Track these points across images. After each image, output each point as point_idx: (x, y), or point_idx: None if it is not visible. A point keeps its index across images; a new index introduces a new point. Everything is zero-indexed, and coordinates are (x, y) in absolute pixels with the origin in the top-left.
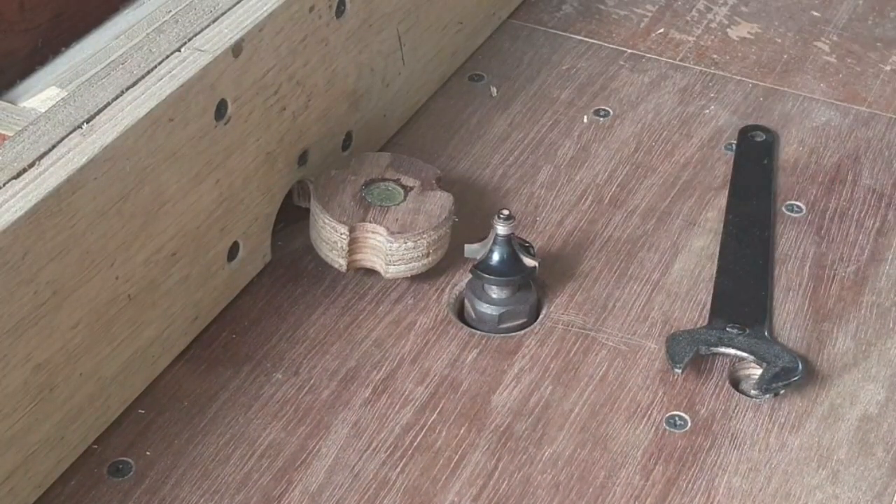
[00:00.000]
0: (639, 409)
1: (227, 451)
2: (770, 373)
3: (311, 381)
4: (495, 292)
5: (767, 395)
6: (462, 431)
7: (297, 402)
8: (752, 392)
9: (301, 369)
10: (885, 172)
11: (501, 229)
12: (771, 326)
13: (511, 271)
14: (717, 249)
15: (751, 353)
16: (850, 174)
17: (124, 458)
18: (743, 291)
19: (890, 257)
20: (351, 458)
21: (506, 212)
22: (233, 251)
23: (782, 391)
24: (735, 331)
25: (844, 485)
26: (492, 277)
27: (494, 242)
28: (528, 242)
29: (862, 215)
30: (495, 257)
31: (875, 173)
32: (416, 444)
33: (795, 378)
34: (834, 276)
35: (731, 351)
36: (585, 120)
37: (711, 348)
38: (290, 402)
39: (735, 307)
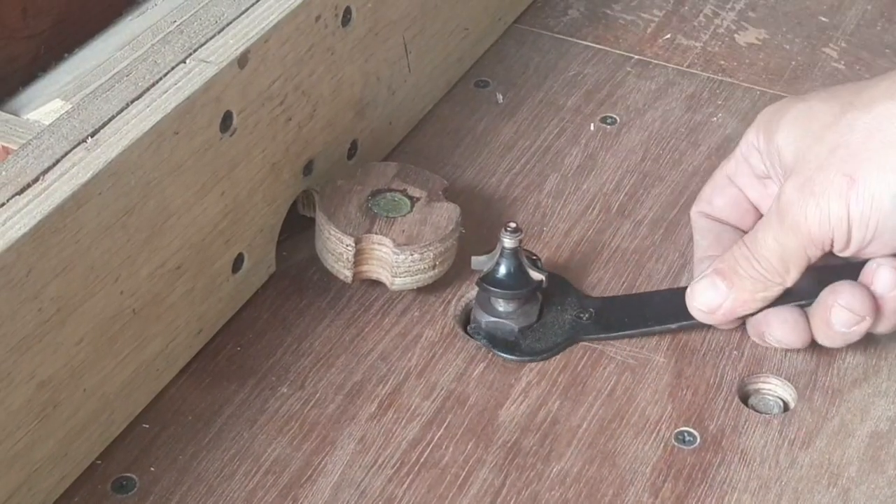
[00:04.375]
0: (647, 425)
1: (232, 467)
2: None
3: (317, 395)
4: (502, 305)
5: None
6: (469, 447)
7: (302, 417)
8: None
9: (306, 383)
10: None
11: (508, 242)
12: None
13: (518, 284)
14: None
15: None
16: None
17: (128, 475)
18: None
19: None
20: (357, 475)
21: (513, 224)
22: (237, 263)
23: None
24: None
25: (855, 502)
26: (498, 290)
27: (501, 255)
28: (535, 255)
29: None
30: (502, 270)
31: None
32: (422, 460)
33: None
34: None
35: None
36: (592, 128)
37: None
38: (296, 416)
39: None
